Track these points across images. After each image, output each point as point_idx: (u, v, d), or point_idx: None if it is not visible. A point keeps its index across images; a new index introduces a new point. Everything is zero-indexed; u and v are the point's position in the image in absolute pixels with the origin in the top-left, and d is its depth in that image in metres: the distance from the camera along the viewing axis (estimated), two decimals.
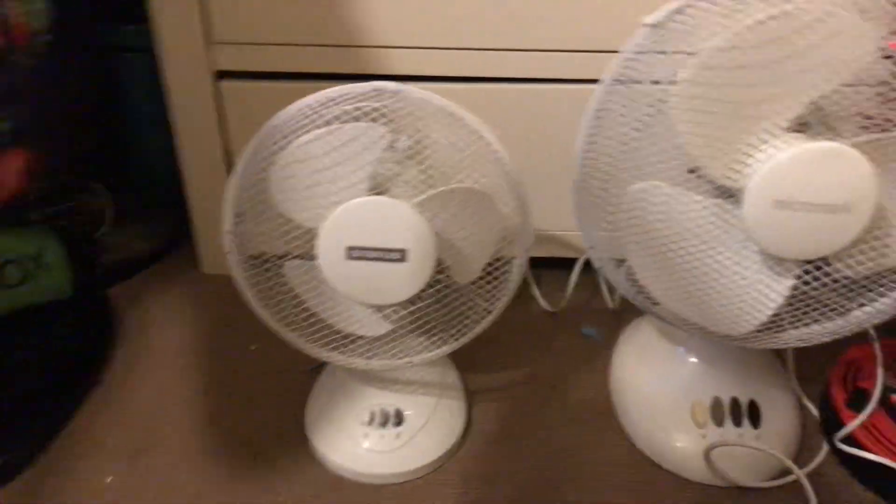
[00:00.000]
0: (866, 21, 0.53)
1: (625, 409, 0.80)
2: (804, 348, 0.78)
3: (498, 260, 0.69)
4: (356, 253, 0.61)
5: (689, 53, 0.55)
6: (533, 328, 0.94)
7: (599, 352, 0.88)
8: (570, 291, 0.94)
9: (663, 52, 0.57)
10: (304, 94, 0.61)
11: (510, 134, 0.85)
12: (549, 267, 0.98)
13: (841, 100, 0.56)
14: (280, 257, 0.67)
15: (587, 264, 0.94)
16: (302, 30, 0.80)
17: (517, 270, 0.70)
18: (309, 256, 0.64)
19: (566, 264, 0.97)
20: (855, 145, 0.55)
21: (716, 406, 0.76)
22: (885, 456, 0.71)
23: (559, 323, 0.94)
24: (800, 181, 0.55)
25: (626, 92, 0.59)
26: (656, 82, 0.58)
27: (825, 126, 0.59)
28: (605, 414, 0.82)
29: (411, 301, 0.65)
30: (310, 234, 0.63)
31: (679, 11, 0.56)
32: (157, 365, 0.86)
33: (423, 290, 0.64)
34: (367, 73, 0.82)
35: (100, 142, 0.99)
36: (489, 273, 0.69)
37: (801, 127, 0.59)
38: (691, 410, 0.76)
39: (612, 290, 0.96)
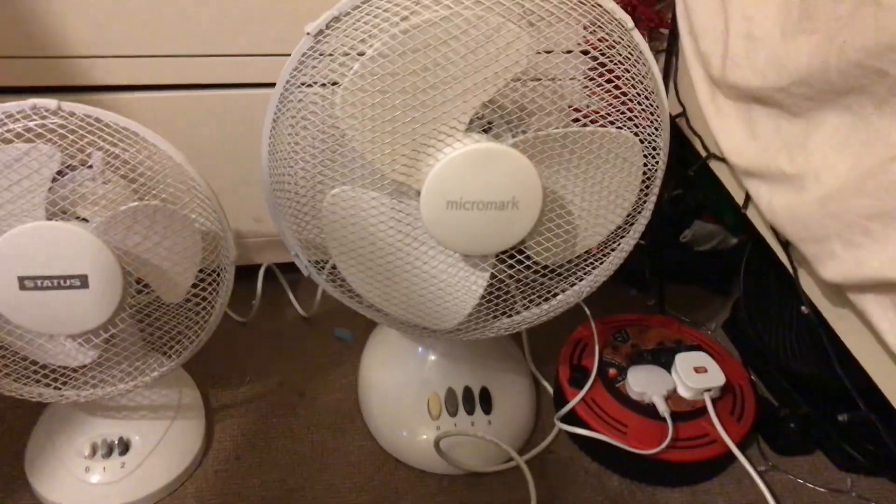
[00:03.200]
0: (522, 24, 0.55)
1: (369, 410, 0.81)
2: (541, 333, 0.83)
3: (210, 273, 0.67)
4: (30, 283, 0.57)
5: (349, 58, 0.55)
6: (285, 335, 0.92)
7: (351, 353, 0.89)
8: (320, 296, 0.93)
9: (329, 57, 0.57)
10: None
11: (212, 142, 0.83)
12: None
13: (535, 97, 0.59)
14: None
15: None
16: None
17: (226, 282, 0.68)
18: None
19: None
20: (514, 145, 0.57)
21: (450, 397, 0.78)
22: (603, 429, 0.76)
23: (313, 327, 0.94)
24: (466, 182, 0.57)
25: (301, 98, 0.59)
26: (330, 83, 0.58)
27: (507, 124, 0.62)
28: (351, 416, 0.82)
29: (108, 327, 0.62)
30: None
31: (336, 20, 0.56)
32: None
33: (118, 314, 0.61)
34: (52, 86, 0.76)
35: None
36: (202, 288, 0.67)
37: (487, 125, 0.62)
38: (427, 404, 0.78)
39: None
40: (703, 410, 0.77)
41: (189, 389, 0.79)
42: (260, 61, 0.79)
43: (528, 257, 0.65)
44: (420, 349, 0.80)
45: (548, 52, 0.59)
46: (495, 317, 0.71)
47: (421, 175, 0.58)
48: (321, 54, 0.57)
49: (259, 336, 0.91)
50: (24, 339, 0.62)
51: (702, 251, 1.01)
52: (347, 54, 0.56)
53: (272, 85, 0.60)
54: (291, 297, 0.96)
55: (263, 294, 0.92)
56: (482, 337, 0.70)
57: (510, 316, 0.71)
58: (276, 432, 0.79)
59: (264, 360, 0.88)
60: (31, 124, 0.58)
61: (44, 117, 0.58)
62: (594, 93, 0.62)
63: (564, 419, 0.80)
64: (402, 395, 0.79)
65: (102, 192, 0.62)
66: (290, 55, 0.58)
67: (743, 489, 0.77)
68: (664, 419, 0.75)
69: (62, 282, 0.58)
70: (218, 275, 0.66)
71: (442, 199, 0.58)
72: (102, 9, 0.74)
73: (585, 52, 0.61)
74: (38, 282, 0.58)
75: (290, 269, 0.97)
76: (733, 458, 0.78)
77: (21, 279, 0.57)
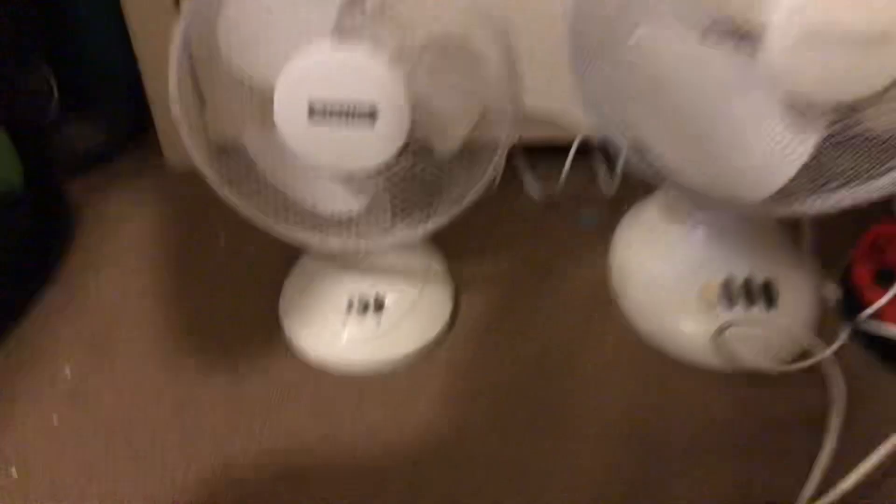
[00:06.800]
0: None
1: (627, 294, 0.74)
2: (820, 231, 0.72)
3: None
4: (319, 107, 0.53)
5: None
6: (526, 216, 0.86)
7: (597, 239, 0.81)
8: (565, 178, 0.85)
9: None
10: None
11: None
12: (542, 155, 0.89)
13: None
14: None
15: (582, 151, 0.85)
16: None
17: (505, 139, 0.62)
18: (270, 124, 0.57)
19: (559, 153, 0.88)
20: None
21: (727, 285, 0.69)
22: None
23: (554, 211, 0.86)
24: (834, 8, 0.47)
25: None
26: None
27: None
28: (602, 300, 0.75)
29: (384, 169, 0.58)
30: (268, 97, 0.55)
31: None
32: (119, 259, 0.79)
33: (397, 156, 0.56)
34: None
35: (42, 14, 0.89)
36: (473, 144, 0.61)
37: None
38: (700, 291, 0.69)
39: (610, 175, 0.88)
40: None
41: (437, 259, 0.75)
42: None
43: (859, 122, 0.55)
44: (689, 230, 0.72)
45: None
46: (807, 193, 0.60)
47: (764, 10, 0.48)
48: None
49: (498, 214, 0.85)
50: (305, 175, 0.59)
51: None
52: None
53: None
54: (530, 177, 0.89)
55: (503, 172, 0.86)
56: (786, 214, 0.60)
57: (819, 194, 0.61)
58: (525, 309, 0.74)
59: (506, 238, 0.82)
60: None
61: None
62: None
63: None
64: (670, 282, 0.71)
65: (386, 22, 0.57)
66: None
67: None
68: None
69: (352, 109, 0.54)
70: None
71: (797, 31, 0.48)
72: None
73: None
74: (328, 106, 0.53)
75: (526, 151, 0.90)
76: None
77: (311, 104, 0.53)
